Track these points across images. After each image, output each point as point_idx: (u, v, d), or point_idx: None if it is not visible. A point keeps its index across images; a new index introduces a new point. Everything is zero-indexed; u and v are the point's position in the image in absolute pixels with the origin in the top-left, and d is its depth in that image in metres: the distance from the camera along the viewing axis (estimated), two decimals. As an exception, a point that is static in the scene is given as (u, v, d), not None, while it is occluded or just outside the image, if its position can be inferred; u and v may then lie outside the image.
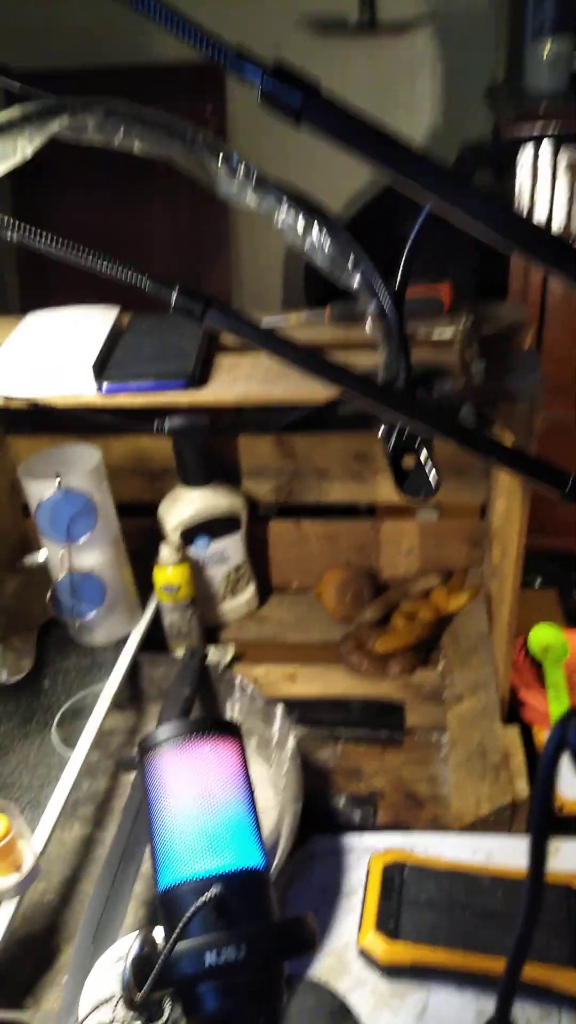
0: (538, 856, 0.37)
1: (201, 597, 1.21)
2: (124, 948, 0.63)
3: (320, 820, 0.95)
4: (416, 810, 0.97)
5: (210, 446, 1.18)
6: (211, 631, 1.26)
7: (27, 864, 0.76)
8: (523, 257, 0.43)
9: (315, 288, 2.42)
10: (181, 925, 0.46)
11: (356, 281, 0.64)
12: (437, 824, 0.95)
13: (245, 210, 0.65)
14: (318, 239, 0.64)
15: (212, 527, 1.20)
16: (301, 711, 1.08)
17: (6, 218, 0.60)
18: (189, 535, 1.19)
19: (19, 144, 0.61)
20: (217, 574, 1.24)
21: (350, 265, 0.64)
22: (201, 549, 1.21)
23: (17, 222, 0.59)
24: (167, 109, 0.63)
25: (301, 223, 0.63)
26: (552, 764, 0.38)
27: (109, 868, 0.83)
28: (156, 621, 1.17)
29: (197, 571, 1.20)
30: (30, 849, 0.77)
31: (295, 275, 2.62)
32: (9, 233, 0.60)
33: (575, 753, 0.37)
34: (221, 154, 0.63)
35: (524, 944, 0.38)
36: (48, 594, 1.04)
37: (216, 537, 1.21)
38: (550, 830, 0.39)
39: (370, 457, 1.21)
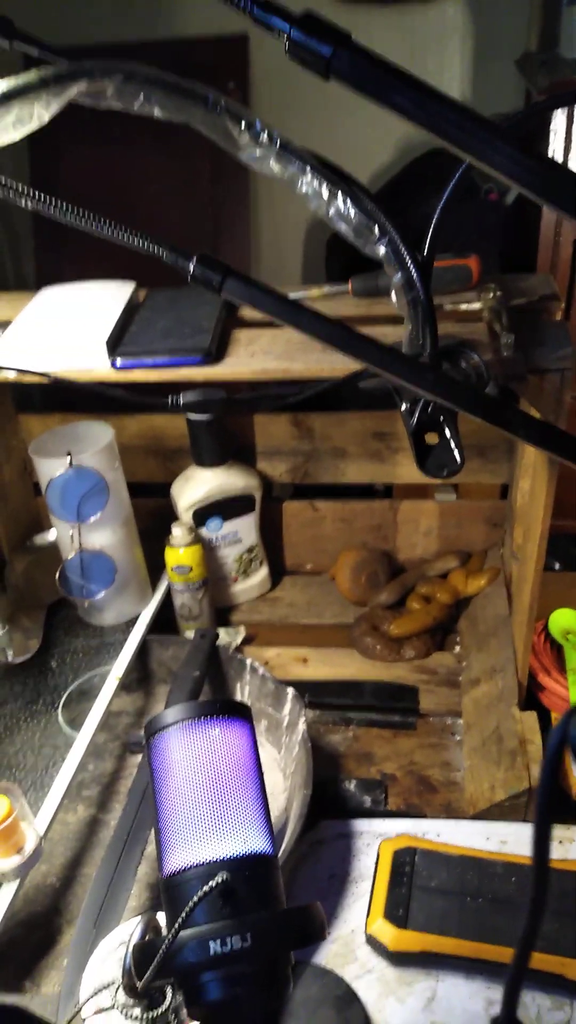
0: (541, 863, 0.36)
1: (213, 578, 1.19)
2: (126, 932, 0.62)
3: (330, 805, 0.93)
4: (429, 795, 0.95)
5: (225, 425, 1.16)
6: (222, 613, 1.24)
7: (29, 846, 0.75)
8: (564, 214, 0.41)
9: (336, 264, 2.39)
10: (185, 913, 0.44)
11: (382, 250, 0.62)
12: (450, 810, 0.93)
13: (268, 176, 0.63)
14: (343, 206, 0.61)
15: (225, 507, 1.18)
16: (312, 694, 1.06)
17: (25, 187, 0.58)
18: (202, 515, 1.17)
19: (36, 109, 0.59)
20: (229, 555, 1.22)
21: (376, 233, 0.62)
22: (214, 530, 1.19)
23: (36, 192, 0.58)
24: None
25: (326, 190, 0.61)
26: (553, 763, 0.37)
27: (113, 851, 0.82)
28: (167, 602, 1.15)
29: (209, 552, 1.19)
30: (33, 831, 0.76)
31: (315, 250, 2.58)
32: (27, 201, 0.58)
33: None
34: (244, 120, 0.60)
35: (528, 943, 0.37)
36: (57, 573, 1.03)
37: (229, 517, 1.19)
38: (550, 834, 0.37)
39: (389, 436, 1.19)
